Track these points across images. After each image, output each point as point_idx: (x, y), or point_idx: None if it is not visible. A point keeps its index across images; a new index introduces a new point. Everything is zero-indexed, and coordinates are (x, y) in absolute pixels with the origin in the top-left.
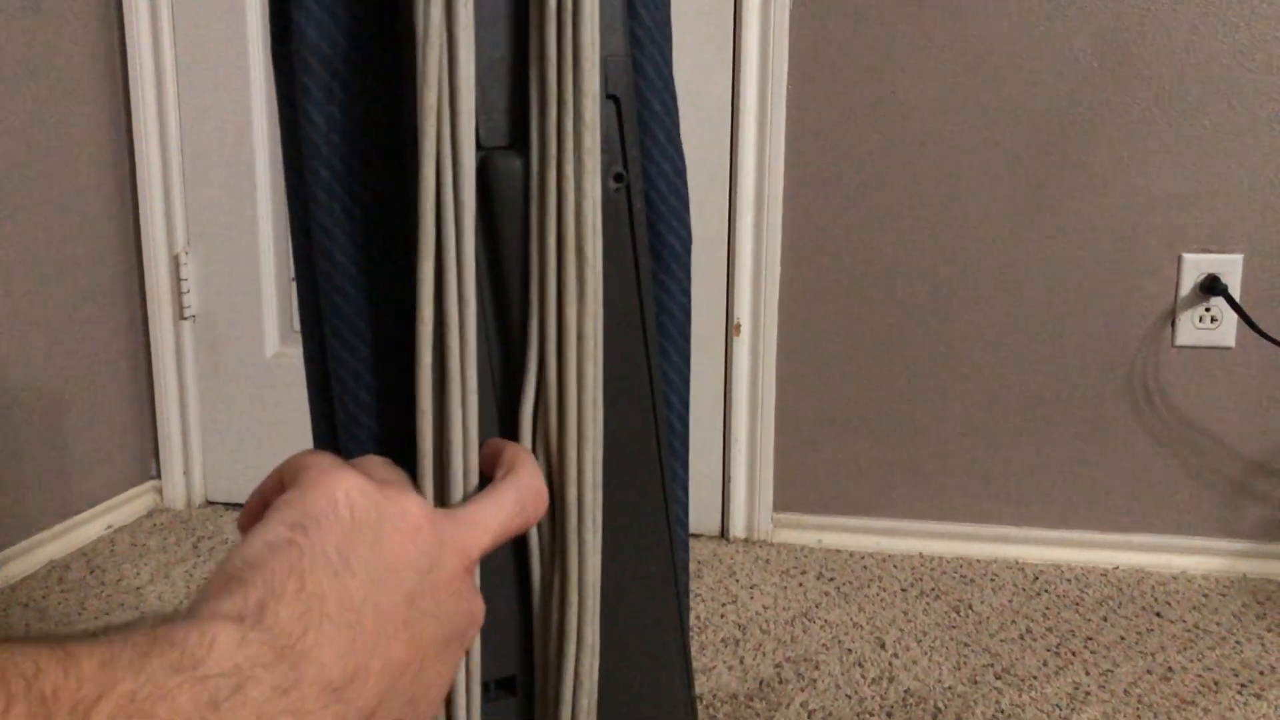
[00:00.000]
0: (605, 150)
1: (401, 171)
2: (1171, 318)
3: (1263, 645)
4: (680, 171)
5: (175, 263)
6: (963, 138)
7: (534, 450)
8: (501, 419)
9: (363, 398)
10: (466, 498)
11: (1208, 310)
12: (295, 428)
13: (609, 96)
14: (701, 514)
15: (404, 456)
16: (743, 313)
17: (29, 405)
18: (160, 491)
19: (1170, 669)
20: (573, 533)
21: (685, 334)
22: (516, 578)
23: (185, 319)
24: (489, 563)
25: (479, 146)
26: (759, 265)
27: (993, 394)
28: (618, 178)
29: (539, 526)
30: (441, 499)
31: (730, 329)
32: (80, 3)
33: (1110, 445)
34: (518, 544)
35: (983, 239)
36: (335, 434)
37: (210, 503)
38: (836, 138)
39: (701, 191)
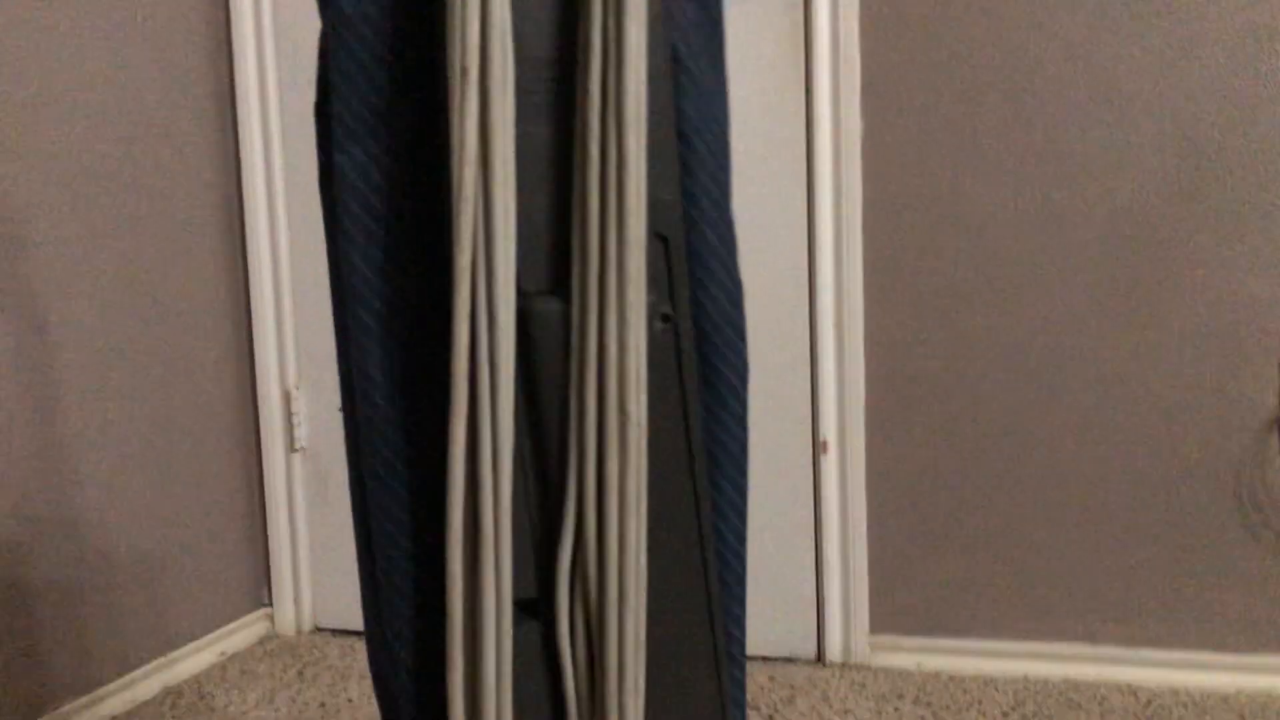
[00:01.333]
0: (652, 290)
1: (446, 312)
2: (1277, 425)
3: None
4: (735, 301)
5: (287, 397)
6: (1043, 246)
7: (571, 609)
8: (539, 577)
9: (401, 545)
10: (500, 661)
11: None
12: None
13: (657, 236)
14: (796, 638)
15: (438, 615)
16: (829, 431)
17: (149, 535)
18: (272, 619)
19: None
20: (613, 696)
21: (741, 467)
22: None
23: (295, 451)
24: (526, 715)
25: (519, 292)
26: (843, 383)
27: (1092, 506)
28: (665, 318)
29: (577, 683)
30: (472, 665)
31: (817, 448)
32: (199, 153)
33: (1220, 559)
34: (555, 705)
35: (1071, 347)
36: (376, 588)
37: (319, 629)
38: (914, 254)
39: (782, 312)
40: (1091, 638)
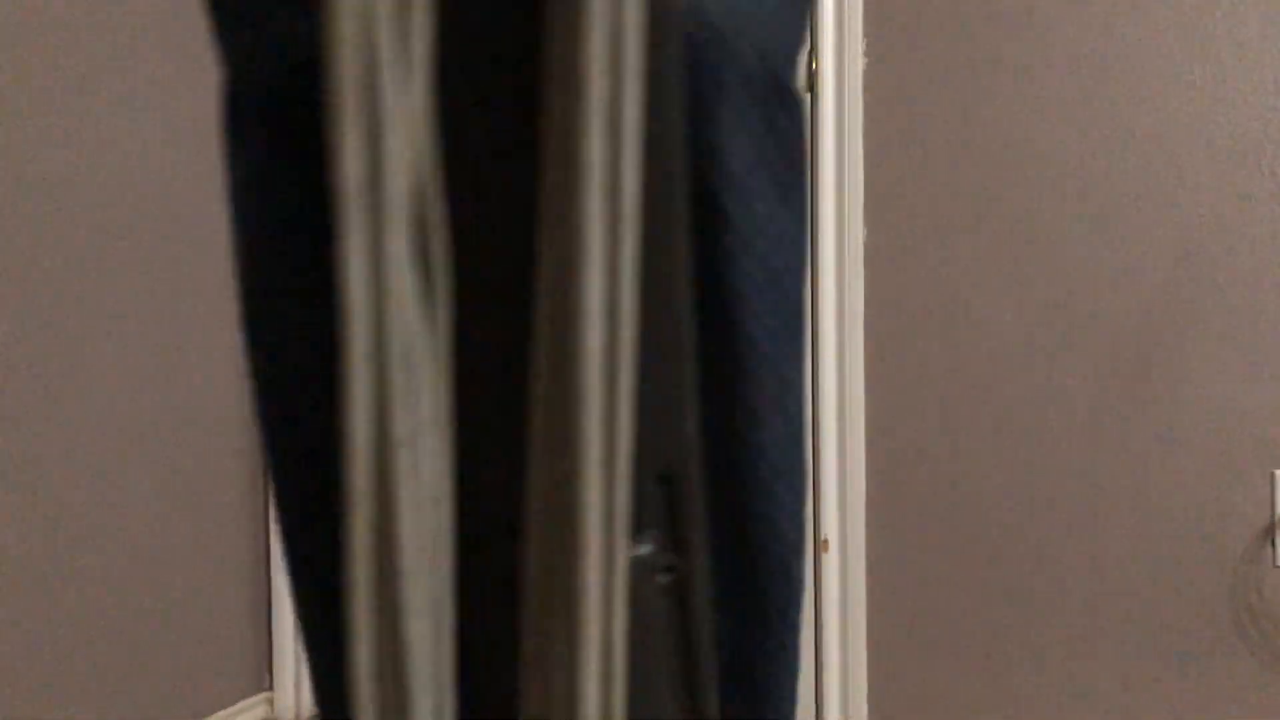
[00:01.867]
0: (649, 539)
1: None
2: (1271, 536)
3: None
4: (795, 519)
5: None
6: (1042, 354)
7: None
8: None
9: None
10: None
11: None
12: None
13: (659, 480)
14: None
15: None
16: (829, 529)
17: (151, 615)
18: (271, 703)
19: None
20: None
21: (791, 697)
22: None
23: None
24: None
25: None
26: (843, 481)
27: (1090, 612)
28: (669, 569)
29: None
30: None
31: (818, 546)
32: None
33: (1215, 669)
34: None
35: (1068, 453)
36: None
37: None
38: (916, 357)
39: None
40: None
